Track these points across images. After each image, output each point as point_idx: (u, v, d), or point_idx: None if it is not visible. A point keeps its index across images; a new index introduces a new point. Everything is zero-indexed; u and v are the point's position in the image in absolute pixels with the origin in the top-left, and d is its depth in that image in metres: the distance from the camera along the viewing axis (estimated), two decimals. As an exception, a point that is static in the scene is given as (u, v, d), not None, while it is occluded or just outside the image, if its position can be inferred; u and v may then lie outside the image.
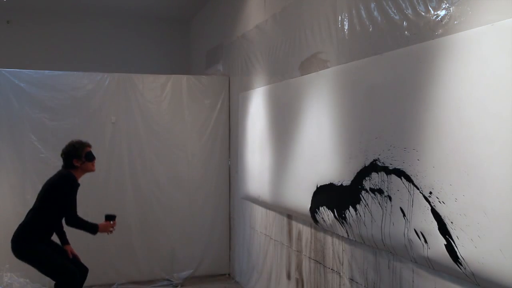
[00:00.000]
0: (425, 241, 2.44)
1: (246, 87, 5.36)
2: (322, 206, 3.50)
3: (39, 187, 5.47)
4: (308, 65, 3.88)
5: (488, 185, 2.05)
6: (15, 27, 7.83)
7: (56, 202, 4.08)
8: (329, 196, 3.39)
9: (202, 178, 6.11)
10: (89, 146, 4.29)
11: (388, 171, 2.73)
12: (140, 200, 5.88)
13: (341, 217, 3.24)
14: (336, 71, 3.37)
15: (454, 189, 2.24)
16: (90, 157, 4.24)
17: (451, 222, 2.25)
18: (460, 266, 2.21)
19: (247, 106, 5.21)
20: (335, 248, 3.53)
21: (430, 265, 2.46)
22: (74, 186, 4.13)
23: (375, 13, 2.97)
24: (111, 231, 4.32)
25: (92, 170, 4.30)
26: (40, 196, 4.14)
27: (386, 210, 2.76)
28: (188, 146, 6.06)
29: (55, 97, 5.62)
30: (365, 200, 2.96)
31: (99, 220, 5.62)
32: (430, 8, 2.50)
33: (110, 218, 4.32)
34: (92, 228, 4.20)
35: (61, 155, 4.24)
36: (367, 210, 2.94)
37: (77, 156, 4.18)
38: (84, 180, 4.36)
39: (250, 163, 5.10)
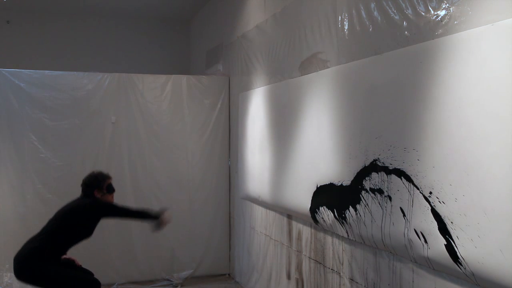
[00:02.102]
0: (425, 241, 2.44)
1: (246, 87, 5.35)
2: (322, 206, 3.50)
3: (39, 187, 5.53)
4: (308, 65, 3.88)
5: (488, 185, 2.05)
6: (15, 27, 7.83)
7: (81, 226, 4.03)
8: (329, 196, 3.39)
9: (202, 178, 6.11)
10: (110, 178, 4.24)
11: (388, 171, 2.73)
12: (140, 200, 5.88)
13: (341, 217, 3.24)
14: (336, 71, 3.37)
15: (454, 189, 2.24)
16: (111, 189, 4.21)
17: (451, 222, 2.25)
18: (460, 266, 2.21)
19: (247, 106, 5.21)
20: (335, 248, 3.53)
21: (430, 265, 2.46)
22: (107, 204, 4.10)
23: (375, 13, 2.97)
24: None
25: (111, 202, 4.23)
26: (61, 220, 4.00)
27: (386, 210, 2.76)
28: (188, 146, 6.06)
29: (55, 97, 5.62)
30: (365, 200, 2.96)
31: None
32: (430, 8, 2.50)
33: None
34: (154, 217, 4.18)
35: (81, 185, 4.16)
36: (367, 210, 2.94)
37: (99, 187, 4.12)
38: (84, 180, 4.35)
39: (250, 163, 5.10)
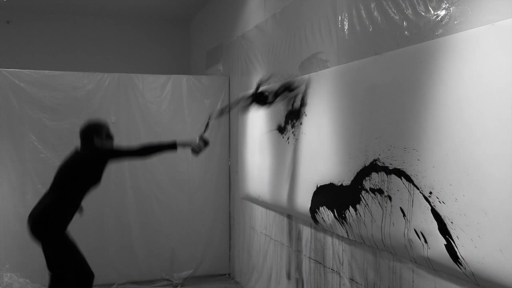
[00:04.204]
0: (425, 241, 2.44)
1: (246, 87, 5.35)
2: (322, 206, 3.50)
3: (39, 187, 5.51)
4: (308, 65, 3.88)
5: (488, 185, 2.05)
6: (15, 27, 7.83)
7: (87, 176, 4.01)
8: (329, 196, 3.39)
9: (202, 178, 6.11)
10: (107, 125, 4.22)
11: (388, 171, 2.73)
12: (140, 200, 5.88)
13: (341, 217, 3.24)
14: (336, 71, 3.37)
15: (454, 189, 2.24)
16: (110, 136, 4.18)
17: (451, 222, 2.25)
18: (460, 266, 2.22)
19: (247, 106, 5.21)
20: (335, 248, 3.53)
21: (430, 265, 2.46)
22: (108, 150, 4.05)
23: (375, 13, 2.97)
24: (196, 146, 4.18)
25: (112, 147, 4.19)
26: (66, 174, 4.00)
27: (386, 210, 2.76)
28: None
29: (55, 97, 5.61)
30: (365, 200, 2.96)
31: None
32: (430, 8, 2.50)
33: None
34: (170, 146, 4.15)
35: (80, 135, 4.12)
36: (367, 210, 2.94)
37: (98, 135, 4.09)
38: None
39: (250, 163, 5.10)
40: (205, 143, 4.22)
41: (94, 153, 4.03)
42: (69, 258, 3.94)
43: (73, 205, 4.03)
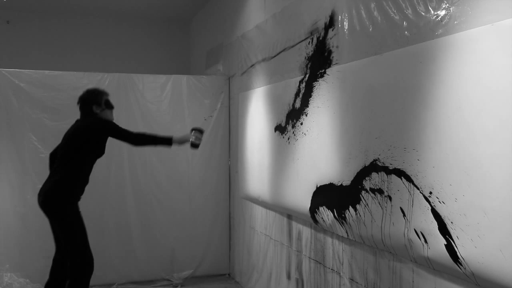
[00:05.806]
0: (425, 241, 2.44)
1: (246, 87, 5.35)
2: (322, 206, 3.50)
3: (39, 187, 5.49)
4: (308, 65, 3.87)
5: (488, 185, 2.05)
6: (15, 27, 7.83)
7: (90, 146, 4.02)
8: (329, 196, 3.39)
9: (202, 178, 6.11)
10: (107, 94, 4.19)
11: (388, 171, 2.73)
12: (140, 200, 5.88)
13: (341, 217, 3.24)
14: (336, 71, 3.37)
15: (454, 189, 2.24)
16: (110, 105, 4.15)
17: (451, 222, 2.25)
18: (460, 266, 2.22)
19: (247, 106, 5.21)
20: (335, 248, 3.53)
21: (430, 265, 2.46)
22: (108, 122, 4.06)
23: (375, 13, 2.96)
24: (193, 139, 4.19)
25: (111, 119, 4.19)
26: (70, 145, 4.02)
27: (386, 210, 2.76)
28: (188, 146, 6.06)
29: (55, 97, 5.61)
30: (365, 200, 2.96)
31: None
32: (430, 8, 2.50)
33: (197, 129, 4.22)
34: (166, 141, 4.17)
35: (78, 102, 4.10)
36: (367, 210, 2.94)
37: (97, 102, 4.07)
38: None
39: (250, 163, 5.10)
40: (200, 131, 4.21)
41: (94, 122, 4.03)
42: (74, 235, 3.95)
43: (81, 178, 4.04)
